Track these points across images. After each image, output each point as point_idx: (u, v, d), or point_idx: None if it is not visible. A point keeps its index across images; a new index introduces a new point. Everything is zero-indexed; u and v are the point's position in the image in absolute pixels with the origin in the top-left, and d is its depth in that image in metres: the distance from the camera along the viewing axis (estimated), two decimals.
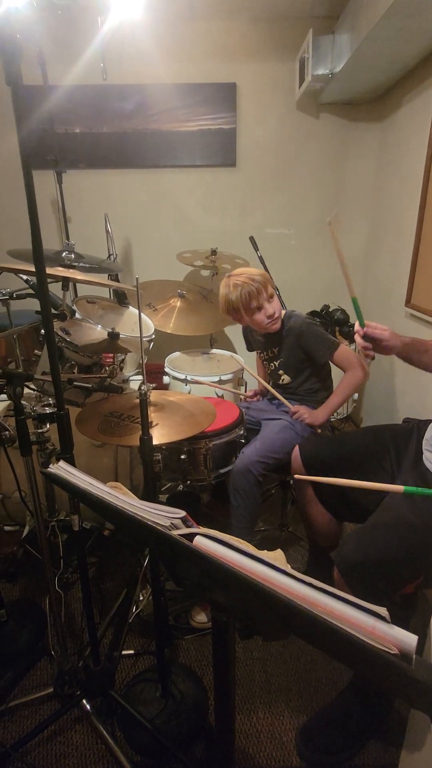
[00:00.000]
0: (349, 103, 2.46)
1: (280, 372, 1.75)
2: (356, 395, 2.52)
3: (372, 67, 1.99)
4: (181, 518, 0.52)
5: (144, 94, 2.44)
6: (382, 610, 0.38)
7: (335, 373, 1.74)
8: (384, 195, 2.46)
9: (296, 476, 1.39)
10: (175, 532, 0.50)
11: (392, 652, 0.35)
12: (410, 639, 0.36)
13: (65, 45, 2.29)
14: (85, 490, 0.59)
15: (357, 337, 1.13)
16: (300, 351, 1.68)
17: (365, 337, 1.10)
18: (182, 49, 2.38)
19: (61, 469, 0.64)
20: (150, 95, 2.44)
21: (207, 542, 0.48)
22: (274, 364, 1.77)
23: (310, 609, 0.39)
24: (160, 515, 0.52)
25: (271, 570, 0.43)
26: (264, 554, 0.47)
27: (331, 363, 1.69)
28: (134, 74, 2.40)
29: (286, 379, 1.75)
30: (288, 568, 0.44)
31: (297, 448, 1.47)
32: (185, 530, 0.50)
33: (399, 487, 0.95)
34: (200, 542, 0.48)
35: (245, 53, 2.39)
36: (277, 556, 0.49)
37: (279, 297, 1.86)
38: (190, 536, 0.50)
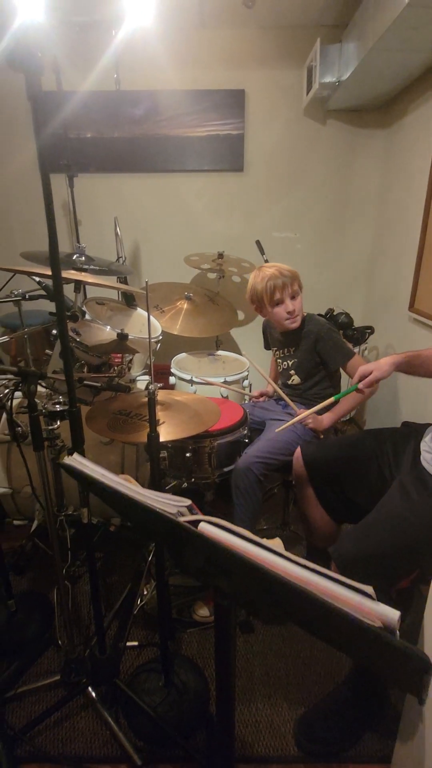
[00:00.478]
0: (355, 110, 2.50)
1: (291, 372, 1.79)
2: None
3: (378, 75, 2.03)
4: (186, 506, 0.56)
5: (154, 100, 2.50)
6: (369, 589, 0.42)
7: (344, 380, 1.77)
8: (389, 200, 2.50)
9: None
10: (181, 519, 0.54)
11: (376, 625, 0.39)
12: (393, 614, 0.40)
13: (79, 52, 2.35)
14: (99, 480, 0.63)
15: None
16: (315, 355, 1.71)
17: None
18: (192, 57, 2.43)
19: (75, 461, 0.68)
20: (160, 101, 2.50)
21: (211, 528, 0.52)
22: (287, 364, 1.80)
23: (304, 587, 0.43)
24: (168, 503, 0.56)
25: (268, 553, 0.47)
26: (263, 540, 0.51)
27: (342, 371, 1.72)
28: (145, 81, 2.45)
29: (296, 380, 1.78)
30: (284, 552, 0.48)
31: (299, 449, 1.51)
32: (191, 517, 0.54)
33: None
34: (204, 528, 0.52)
35: (254, 61, 2.44)
36: (275, 543, 0.53)
37: None
38: (195, 523, 0.55)
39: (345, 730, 1.20)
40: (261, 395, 1.96)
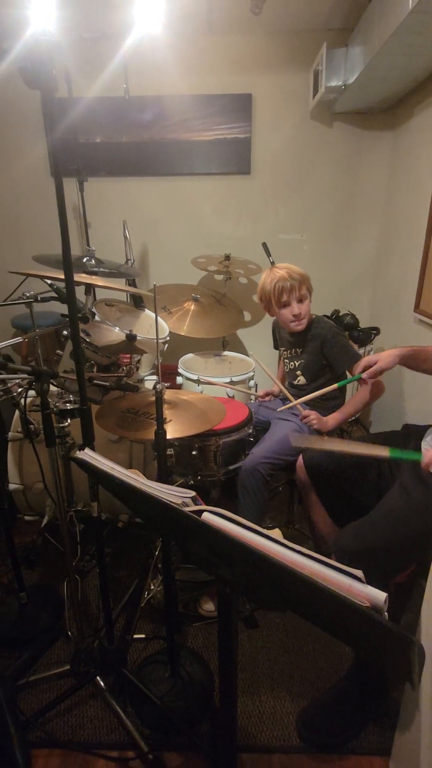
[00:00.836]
0: (362, 112, 2.52)
1: (298, 373, 1.81)
2: None
3: (384, 79, 2.05)
4: (191, 497, 0.60)
5: (162, 105, 2.54)
6: (358, 572, 0.45)
7: (351, 384, 1.79)
8: (394, 202, 2.51)
9: (293, 443, 1.49)
10: (186, 509, 0.58)
11: (365, 605, 0.42)
12: (380, 595, 0.43)
13: (89, 61, 2.40)
14: (109, 473, 0.67)
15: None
16: (321, 357, 1.73)
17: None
18: (200, 62, 2.47)
19: (87, 455, 0.72)
20: (168, 106, 2.54)
21: (213, 517, 0.56)
22: (294, 364, 1.83)
23: (299, 570, 0.46)
24: (174, 494, 0.60)
25: (266, 540, 0.51)
26: (262, 529, 0.54)
27: (348, 374, 1.73)
28: (153, 86, 2.50)
29: (302, 380, 1.81)
30: (282, 540, 0.51)
31: (301, 457, 1.53)
32: (195, 507, 0.58)
33: (384, 449, 1.08)
34: (207, 517, 0.56)
35: (261, 65, 2.47)
36: (275, 533, 0.57)
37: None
38: (199, 514, 0.58)
39: (346, 721, 1.23)
40: (267, 395, 1.99)
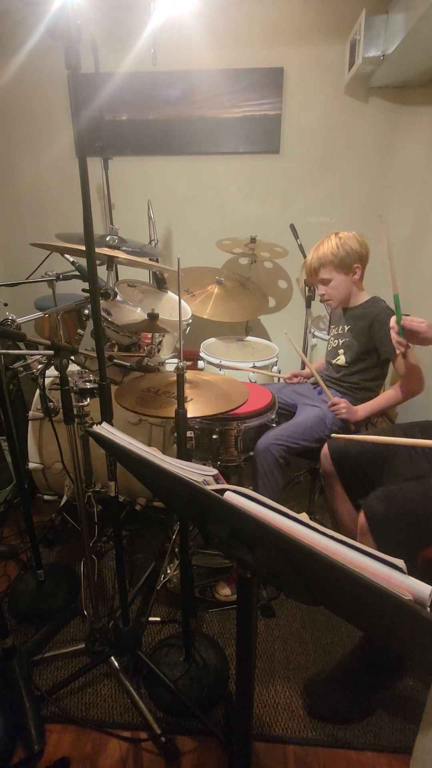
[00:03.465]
0: (400, 86, 2.38)
1: (340, 351, 1.72)
2: None
3: (426, 48, 1.91)
4: (212, 476, 0.56)
5: (190, 80, 2.46)
6: (399, 562, 0.40)
7: (390, 378, 1.70)
8: None
9: (333, 435, 1.42)
10: (207, 487, 0.54)
11: (407, 597, 0.37)
12: (425, 588, 0.38)
13: (116, 32, 2.34)
14: (126, 448, 0.63)
15: (392, 333, 1.20)
16: (368, 338, 1.63)
17: (403, 331, 1.19)
18: (230, 34, 2.38)
19: (104, 429, 0.69)
20: (196, 82, 2.46)
21: (236, 497, 0.51)
22: (338, 342, 1.74)
23: (331, 557, 0.41)
24: (194, 472, 0.56)
25: (295, 523, 0.46)
26: (290, 511, 0.50)
27: (392, 366, 1.63)
28: (181, 61, 2.42)
29: (341, 360, 1.71)
30: (311, 523, 0.47)
31: (326, 446, 1.48)
32: (216, 486, 0.54)
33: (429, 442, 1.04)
34: (230, 497, 0.52)
35: (294, 36, 2.36)
36: (302, 516, 0.52)
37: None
38: (221, 493, 0.54)
39: (351, 699, 1.21)
40: (294, 376, 1.92)
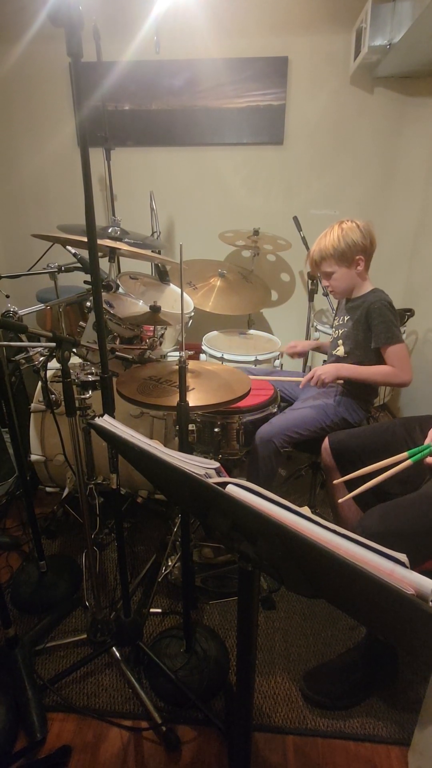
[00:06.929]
0: (407, 76, 2.34)
1: (339, 342, 1.71)
2: None
3: None
4: (214, 469, 0.55)
5: (193, 70, 2.43)
6: (402, 556, 0.40)
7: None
8: None
9: (335, 482, 1.37)
10: (209, 480, 0.53)
11: (409, 592, 0.37)
12: (427, 582, 0.38)
13: (118, 20, 2.31)
14: (128, 440, 0.63)
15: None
16: (365, 327, 1.61)
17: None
18: (234, 22, 2.34)
19: (106, 422, 0.69)
20: (199, 71, 2.43)
21: (238, 490, 0.51)
22: (339, 332, 1.73)
23: (333, 551, 0.41)
24: (196, 465, 0.56)
25: (297, 516, 0.46)
26: (292, 505, 0.49)
27: (383, 356, 1.59)
28: (184, 50, 2.38)
29: (341, 351, 1.70)
30: (313, 517, 0.46)
31: (326, 440, 1.48)
32: (218, 479, 0.54)
33: (403, 455, 1.04)
34: (232, 490, 0.51)
35: (299, 25, 2.32)
36: (304, 510, 0.52)
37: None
38: (223, 486, 0.54)
39: (348, 689, 1.24)
40: (295, 345, 1.90)
